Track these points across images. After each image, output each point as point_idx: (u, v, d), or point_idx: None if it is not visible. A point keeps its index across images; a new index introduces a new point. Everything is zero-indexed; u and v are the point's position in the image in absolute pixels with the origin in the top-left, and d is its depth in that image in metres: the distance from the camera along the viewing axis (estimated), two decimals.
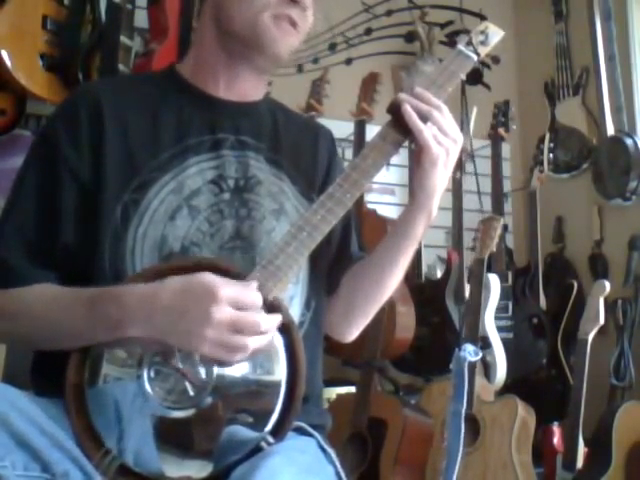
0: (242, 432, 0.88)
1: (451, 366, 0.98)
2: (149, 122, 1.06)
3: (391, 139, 0.99)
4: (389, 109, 1.00)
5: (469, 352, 0.98)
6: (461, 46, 1.04)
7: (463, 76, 1.04)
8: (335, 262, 1.17)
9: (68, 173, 1.01)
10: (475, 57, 1.04)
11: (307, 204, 1.10)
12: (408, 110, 0.97)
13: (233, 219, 1.05)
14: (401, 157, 2.65)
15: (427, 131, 0.97)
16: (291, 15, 1.04)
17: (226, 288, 0.84)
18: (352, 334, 1.20)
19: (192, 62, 1.13)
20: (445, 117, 0.99)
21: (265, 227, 1.06)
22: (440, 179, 1.00)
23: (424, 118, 0.97)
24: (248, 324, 0.84)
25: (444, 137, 0.98)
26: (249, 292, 0.86)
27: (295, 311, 1.06)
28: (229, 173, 1.07)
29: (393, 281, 1.13)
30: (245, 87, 1.12)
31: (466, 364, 0.97)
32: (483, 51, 1.05)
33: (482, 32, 1.06)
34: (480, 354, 0.95)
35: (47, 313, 0.94)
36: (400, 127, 0.98)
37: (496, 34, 1.07)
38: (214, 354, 0.84)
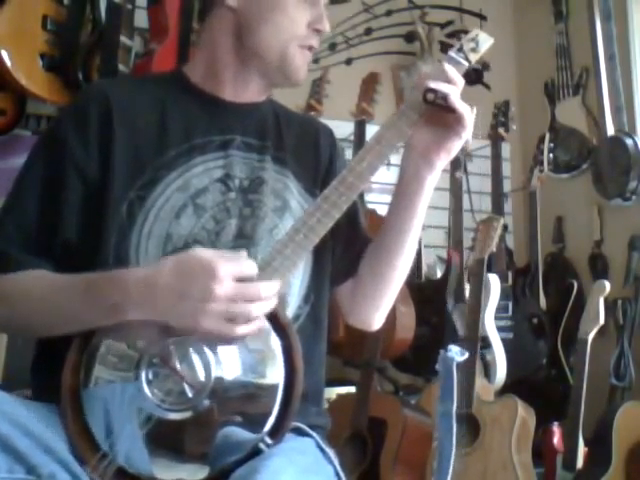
0: (239, 433, 0.88)
1: (437, 367, 1.01)
2: (156, 121, 1.07)
3: (395, 133, 1.04)
4: (425, 98, 1.01)
5: (455, 352, 1.00)
6: (452, 53, 1.07)
7: None
8: (349, 245, 1.17)
9: (74, 170, 1.01)
10: (466, 63, 1.06)
11: (311, 200, 1.11)
12: (453, 99, 1.00)
13: (237, 218, 1.05)
14: (400, 157, 2.64)
15: (465, 107, 1.01)
16: (313, 44, 1.10)
17: (224, 264, 0.84)
18: (380, 317, 1.20)
19: (201, 66, 1.13)
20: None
21: (267, 225, 1.06)
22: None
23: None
24: (250, 292, 0.85)
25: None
26: (245, 264, 0.86)
27: (291, 304, 1.06)
28: (235, 173, 1.08)
29: (411, 243, 1.12)
30: (253, 92, 1.14)
31: (454, 364, 0.99)
32: (474, 57, 1.08)
33: (472, 39, 1.08)
34: (466, 354, 0.98)
35: (45, 296, 0.94)
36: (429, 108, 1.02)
37: (486, 41, 1.09)
38: (216, 329, 0.84)
